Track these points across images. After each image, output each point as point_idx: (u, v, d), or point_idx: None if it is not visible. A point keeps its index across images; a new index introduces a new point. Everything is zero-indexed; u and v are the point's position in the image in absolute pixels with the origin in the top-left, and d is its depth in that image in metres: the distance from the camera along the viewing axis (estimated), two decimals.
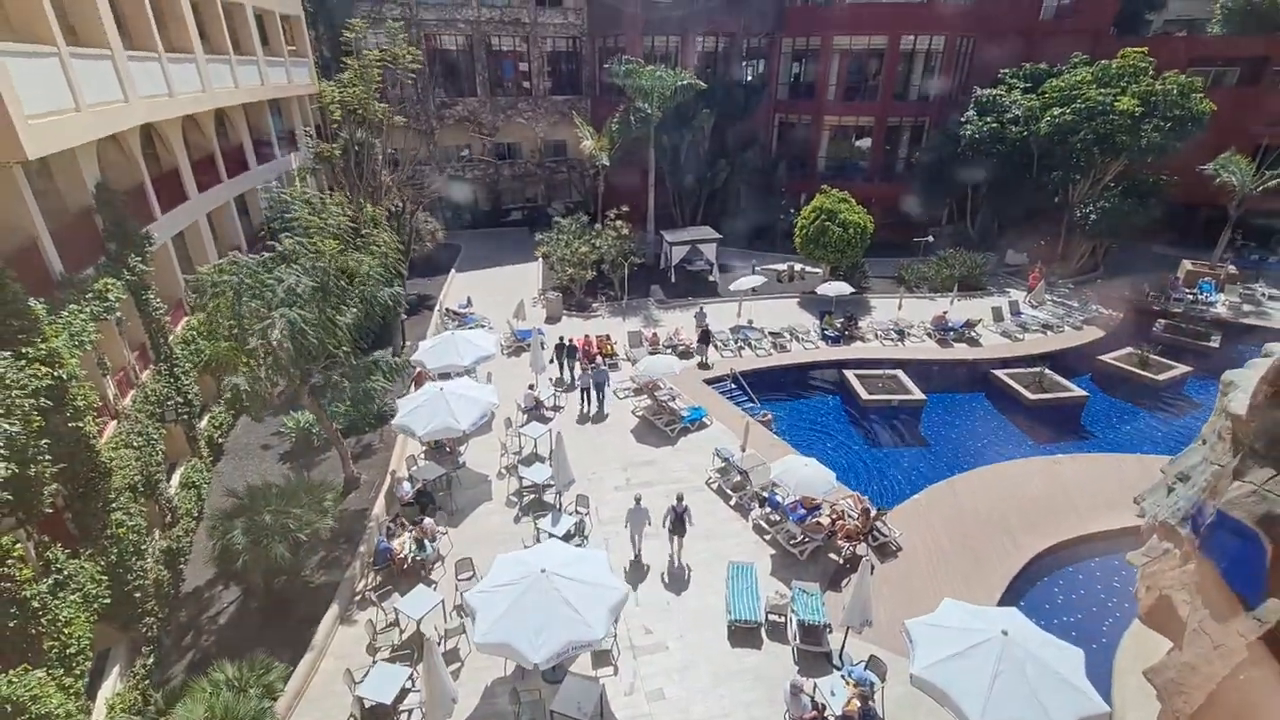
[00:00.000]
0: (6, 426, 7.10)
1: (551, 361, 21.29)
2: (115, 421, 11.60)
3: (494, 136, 38.69)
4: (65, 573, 8.49)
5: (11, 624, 7.17)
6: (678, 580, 13.24)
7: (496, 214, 40.45)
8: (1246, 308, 27.54)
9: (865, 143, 37.81)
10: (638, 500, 13.48)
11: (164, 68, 14.72)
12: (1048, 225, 31.57)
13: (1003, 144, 30.82)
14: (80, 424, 9.08)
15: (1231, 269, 29.88)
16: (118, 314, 11.72)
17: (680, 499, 13.50)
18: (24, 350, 8.25)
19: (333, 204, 14.71)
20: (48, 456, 8.05)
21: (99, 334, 10.77)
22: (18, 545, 7.36)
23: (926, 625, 9.78)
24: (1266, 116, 31.54)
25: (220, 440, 16.81)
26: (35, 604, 7.46)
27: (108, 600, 9.22)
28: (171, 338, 14.90)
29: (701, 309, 25.06)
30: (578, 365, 21.26)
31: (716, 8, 36.50)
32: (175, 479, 14.11)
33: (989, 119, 30.96)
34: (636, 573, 13.41)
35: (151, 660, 10.41)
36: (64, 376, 8.78)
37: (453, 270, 31.34)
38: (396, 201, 24.58)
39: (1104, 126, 26.31)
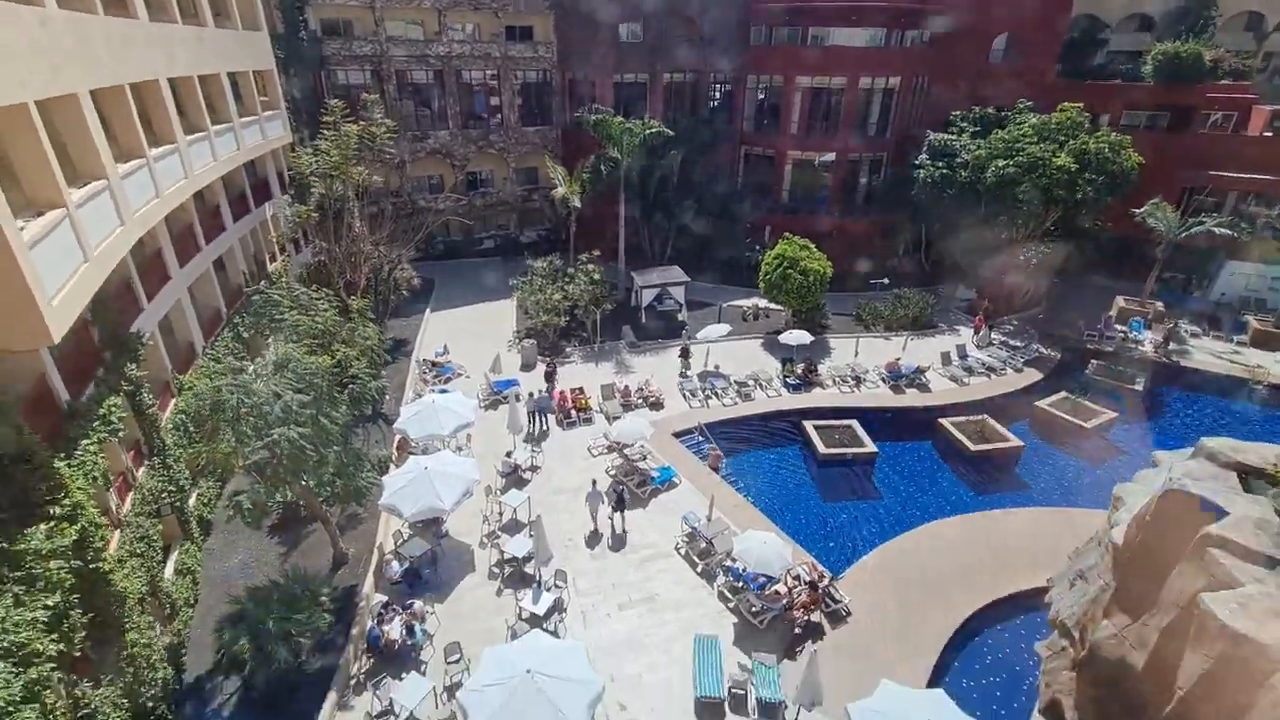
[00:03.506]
0: (49, 602, 7.94)
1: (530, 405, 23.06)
2: (119, 532, 12.32)
3: (466, 167, 39.20)
4: (92, 706, 9.35)
5: None
6: (620, 541, 17.73)
7: (469, 243, 40.98)
8: (1171, 346, 29.86)
9: (827, 172, 39.24)
10: (594, 484, 17.97)
11: (151, 170, 15.22)
12: (996, 262, 33.59)
13: (953, 187, 32.67)
14: (100, 564, 9.89)
15: (1160, 306, 32.25)
16: (121, 432, 12.40)
17: (619, 483, 18.80)
18: (52, 511, 9.03)
19: (318, 299, 15.45)
20: (78, 610, 8.89)
21: (106, 459, 11.49)
22: (59, 704, 8.21)
23: (866, 709, 11.23)
24: (1190, 163, 33.94)
25: (209, 515, 17.45)
26: None
27: None
28: (162, 426, 15.52)
29: (687, 334, 28.50)
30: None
31: (683, 46, 37.59)
32: (170, 567, 14.79)
33: (940, 164, 32.76)
34: (594, 539, 17.78)
35: None
36: (85, 525, 9.58)
37: (427, 310, 31.94)
38: (375, 258, 25.15)
39: (1043, 180, 28.23)
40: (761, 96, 39.98)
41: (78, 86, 11.75)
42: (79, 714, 9.13)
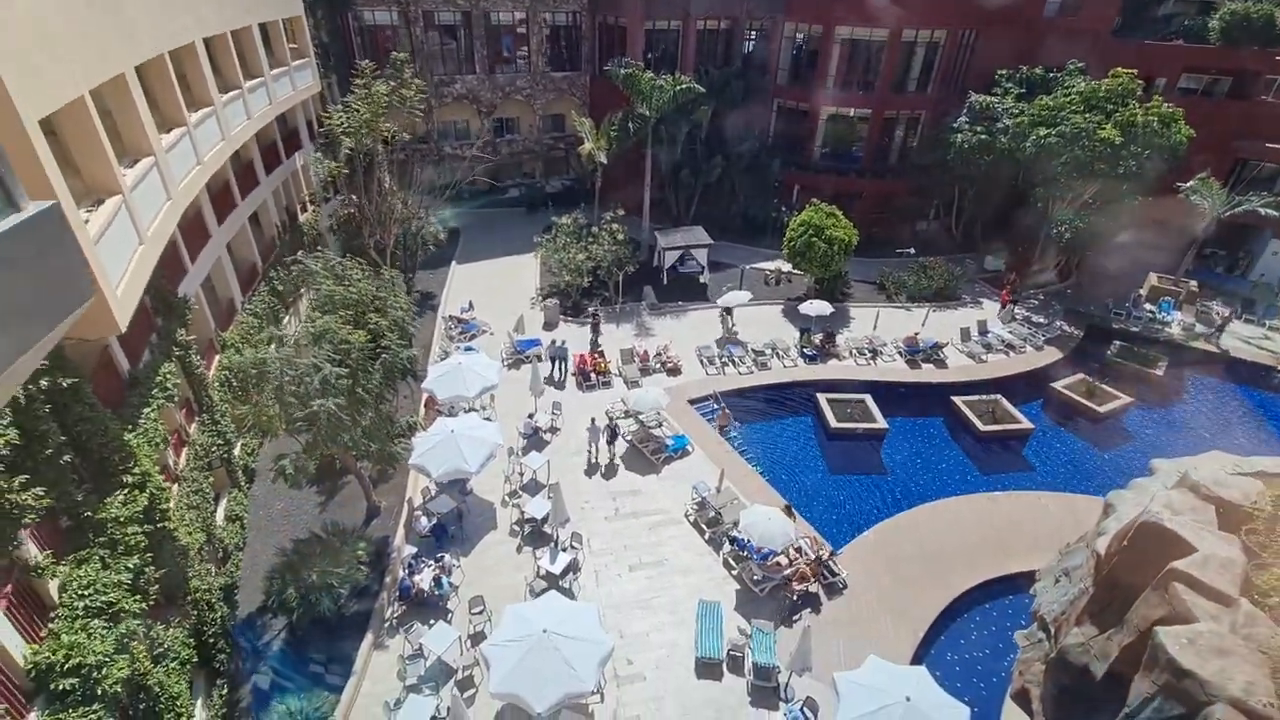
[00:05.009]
0: (130, 564, 9.04)
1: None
2: (176, 486, 13.51)
3: (493, 113, 38.82)
4: (165, 645, 10.67)
5: (141, 707, 9.36)
6: (611, 469, 20.00)
7: (494, 190, 40.98)
8: (1199, 329, 29.39)
9: (862, 124, 37.91)
10: (593, 420, 20.23)
11: (192, 137, 15.63)
12: (1028, 234, 32.91)
13: (990, 153, 31.67)
14: (166, 523, 11.02)
15: (1193, 285, 31.50)
16: (175, 396, 13.39)
17: (612, 419, 20.85)
18: (125, 480, 10.06)
19: (352, 268, 16.10)
20: (152, 567, 10.05)
21: (164, 424, 12.51)
22: (140, 649, 9.44)
23: (851, 682, 12.23)
24: (1249, 133, 32.36)
25: (253, 465, 18.76)
26: (156, 688, 9.65)
27: (195, 658, 11.47)
28: (209, 383, 16.58)
29: (727, 289, 28.84)
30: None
31: None
32: (220, 513, 16.15)
33: (979, 129, 31.66)
34: (592, 468, 19.91)
35: (225, 690, 12.79)
36: (153, 490, 10.64)
37: (453, 262, 32.50)
38: (405, 214, 25.51)
39: (1084, 153, 27.27)
40: (799, 41, 38.36)
41: (124, 65, 12.08)
42: (154, 652, 10.45)
